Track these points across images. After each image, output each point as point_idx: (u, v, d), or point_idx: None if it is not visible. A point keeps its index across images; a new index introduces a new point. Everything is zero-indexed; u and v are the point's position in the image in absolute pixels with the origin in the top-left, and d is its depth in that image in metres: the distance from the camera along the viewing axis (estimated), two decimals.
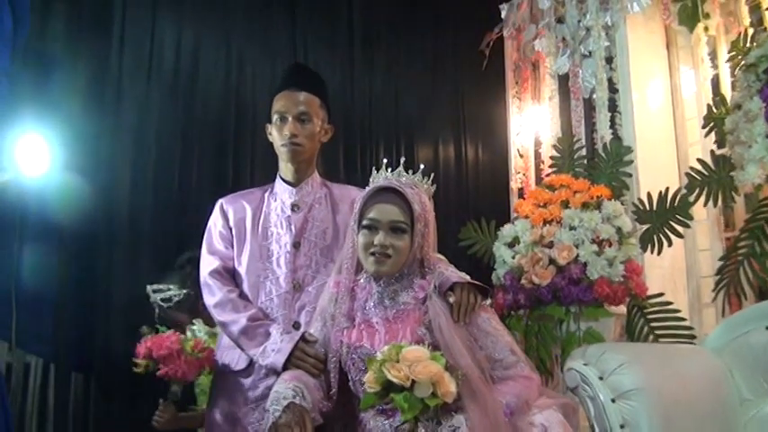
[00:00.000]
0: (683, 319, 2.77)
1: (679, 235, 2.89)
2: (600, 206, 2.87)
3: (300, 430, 1.68)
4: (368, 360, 1.78)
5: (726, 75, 3.16)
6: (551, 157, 3.46)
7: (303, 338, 2.04)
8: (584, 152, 3.41)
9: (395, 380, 1.65)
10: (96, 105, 3.39)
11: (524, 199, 3.24)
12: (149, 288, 2.84)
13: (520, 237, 2.95)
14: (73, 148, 3.06)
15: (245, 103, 3.88)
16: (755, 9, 3.08)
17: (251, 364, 2.18)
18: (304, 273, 2.27)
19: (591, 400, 1.92)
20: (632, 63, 3.37)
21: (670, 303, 2.80)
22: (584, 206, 2.87)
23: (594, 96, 3.42)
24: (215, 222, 2.39)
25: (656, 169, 3.29)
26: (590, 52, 3.47)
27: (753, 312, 2.25)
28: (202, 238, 2.40)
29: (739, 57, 2.82)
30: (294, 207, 2.34)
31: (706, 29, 3.24)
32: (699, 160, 2.96)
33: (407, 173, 2.01)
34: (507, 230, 3.04)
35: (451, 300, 1.88)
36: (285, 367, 2.01)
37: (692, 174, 2.92)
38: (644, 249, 2.92)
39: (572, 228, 2.83)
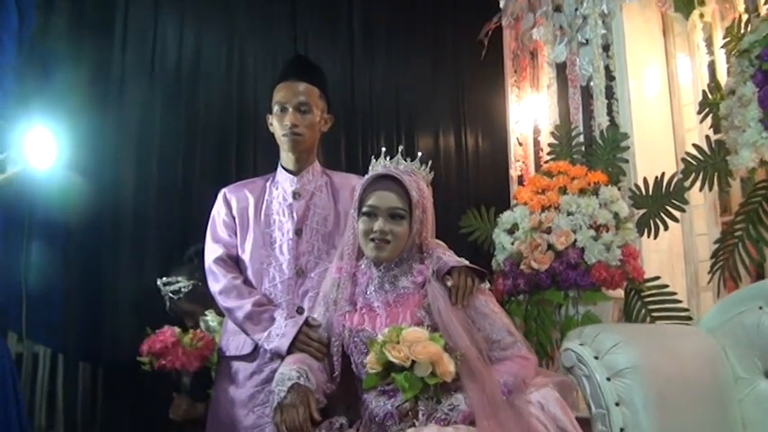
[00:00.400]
0: (680, 302, 2.82)
1: (675, 219, 2.93)
2: (597, 192, 2.91)
3: (304, 410, 1.75)
4: (369, 342, 1.84)
5: (722, 61, 3.18)
6: (549, 145, 3.50)
7: (307, 323, 2.11)
8: (581, 139, 3.44)
9: (395, 360, 1.71)
10: (100, 100, 3.43)
11: (524, 186, 3.28)
12: (159, 281, 2.89)
13: (519, 223, 2.98)
14: (78, 142, 3.10)
15: (246, 98, 3.92)
16: None
17: (256, 348, 2.24)
18: (306, 259, 2.33)
19: (587, 379, 1.96)
20: (629, 50, 3.39)
21: (666, 286, 2.85)
22: (582, 192, 2.91)
23: (592, 84, 3.44)
24: (218, 211, 2.45)
25: (654, 155, 3.31)
26: (587, 40, 3.49)
27: (746, 293, 2.29)
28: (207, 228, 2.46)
29: (734, 43, 2.85)
30: (295, 195, 2.39)
31: (701, 15, 3.27)
32: (694, 145, 2.99)
33: (405, 161, 2.05)
34: (506, 217, 3.08)
35: (449, 283, 1.93)
36: (289, 351, 2.07)
37: (688, 159, 2.96)
38: (640, 234, 2.96)
39: (570, 213, 2.86)
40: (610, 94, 3.41)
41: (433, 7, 4.64)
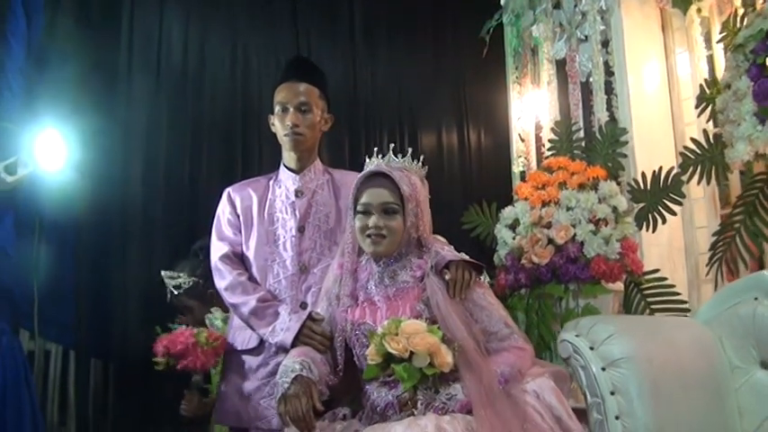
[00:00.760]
0: (678, 294, 2.86)
1: (672, 212, 2.97)
2: (596, 187, 2.96)
3: (307, 400, 1.80)
4: (370, 334, 1.89)
5: (720, 55, 3.22)
6: (549, 140, 3.54)
7: (310, 317, 2.16)
8: (581, 134, 3.49)
9: (394, 352, 1.77)
10: (108, 101, 3.51)
11: (525, 182, 3.33)
12: (163, 273, 2.94)
13: (520, 218, 3.03)
14: (87, 143, 3.16)
15: (251, 96, 3.98)
16: None
17: (261, 342, 2.31)
18: (309, 255, 2.38)
19: (582, 369, 2.00)
20: (628, 46, 3.43)
21: (665, 279, 2.89)
22: (581, 187, 2.96)
23: (591, 80, 3.49)
24: (223, 210, 2.51)
25: (653, 149, 3.35)
26: (586, 37, 3.54)
27: (742, 285, 2.31)
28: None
29: (730, 37, 2.88)
30: (298, 193, 2.45)
31: (699, 10, 3.31)
32: (692, 139, 3.04)
33: (397, 157, 2.10)
34: (508, 213, 3.13)
35: (447, 277, 1.98)
36: (294, 344, 2.13)
37: (686, 153, 3.00)
38: (639, 228, 3.00)
39: (569, 208, 2.91)
40: (609, 89, 3.45)
41: (434, 5, 4.70)
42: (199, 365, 2.41)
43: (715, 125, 3.00)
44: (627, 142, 3.21)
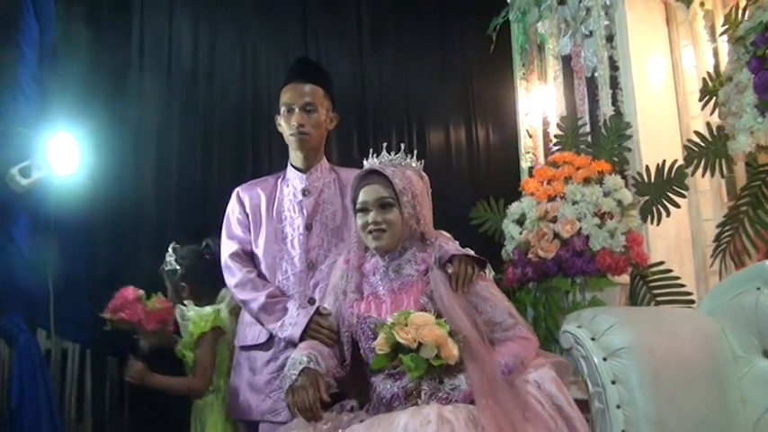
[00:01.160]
0: (683, 286, 2.88)
1: (676, 205, 3.00)
2: (601, 181, 2.98)
3: (314, 392, 1.85)
4: (379, 325, 1.95)
5: (724, 48, 3.23)
6: (555, 136, 3.57)
7: (318, 312, 2.21)
8: (587, 129, 3.51)
9: (403, 341, 1.82)
10: (120, 105, 3.58)
11: (531, 177, 3.35)
12: (173, 245, 2.97)
13: (526, 213, 3.06)
14: (99, 145, 3.23)
15: (260, 96, 4.03)
16: None
17: (271, 337, 2.37)
18: (316, 252, 2.44)
19: (584, 360, 2.04)
20: (632, 40, 3.44)
21: (670, 271, 2.92)
22: (586, 181, 2.99)
23: (596, 75, 3.51)
24: (232, 209, 2.57)
25: (659, 143, 3.36)
26: (591, 32, 3.56)
27: (744, 275, 2.32)
28: None
29: (732, 30, 2.90)
30: (305, 192, 2.51)
31: (702, 4, 3.32)
32: (696, 132, 3.06)
33: (390, 154, 2.16)
34: (515, 208, 3.16)
35: (450, 271, 2.02)
36: (302, 338, 2.18)
37: (690, 145, 3.02)
38: (644, 220, 3.03)
39: (575, 202, 2.94)
40: (615, 84, 3.47)
41: (440, 3, 4.72)
42: (136, 319, 2.57)
43: (720, 118, 3.01)
44: (631, 136, 3.23)
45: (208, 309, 2.76)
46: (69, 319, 3.05)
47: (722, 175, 2.96)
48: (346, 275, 2.18)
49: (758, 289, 2.24)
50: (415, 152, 2.21)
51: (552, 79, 3.93)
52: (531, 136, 4.20)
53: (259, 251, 2.49)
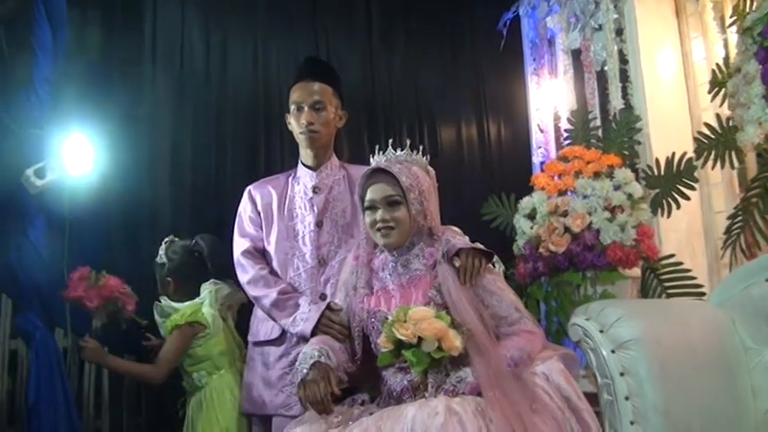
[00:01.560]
0: (694, 278, 2.88)
1: (686, 198, 2.99)
2: (611, 174, 2.99)
3: (325, 385, 1.88)
4: (382, 322, 1.97)
5: (734, 39, 3.22)
6: (566, 130, 3.58)
7: (329, 307, 2.25)
8: (598, 123, 3.51)
9: (403, 338, 1.85)
10: (132, 104, 3.61)
11: (542, 172, 3.36)
12: (170, 237, 3.01)
13: (537, 208, 3.07)
14: (114, 145, 3.27)
15: (272, 94, 4.05)
16: None
17: (283, 333, 2.41)
18: (327, 249, 2.48)
19: (593, 352, 2.06)
20: (642, 33, 3.44)
21: (681, 264, 2.92)
22: (596, 175, 2.99)
23: (606, 68, 3.51)
24: (244, 208, 2.62)
25: (670, 135, 3.35)
26: (600, 26, 3.56)
27: (754, 266, 2.33)
28: None
29: (740, 21, 2.89)
30: (315, 189, 2.54)
31: None
32: (705, 124, 3.05)
33: (396, 151, 2.19)
34: (526, 203, 3.17)
35: (457, 264, 2.05)
36: (313, 333, 2.22)
37: (700, 137, 3.01)
38: (654, 213, 3.03)
39: (585, 196, 2.95)
40: (624, 77, 3.47)
41: None
42: (75, 296, 2.67)
43: (729, 109, 3.01)
44: (641, 129, 3.23)
45: (187, 304, 2.80)
46: (86, 318, 3.08)
47: (732, 167, 2.95)
48: (356, 271, 2.21)
49: (767, 280, 2.24)
50: (421, 148, 2.23)
51: (562, 74, 3.94)
52: (542, 131, 4.21)
53: (271, 248, 2.53)
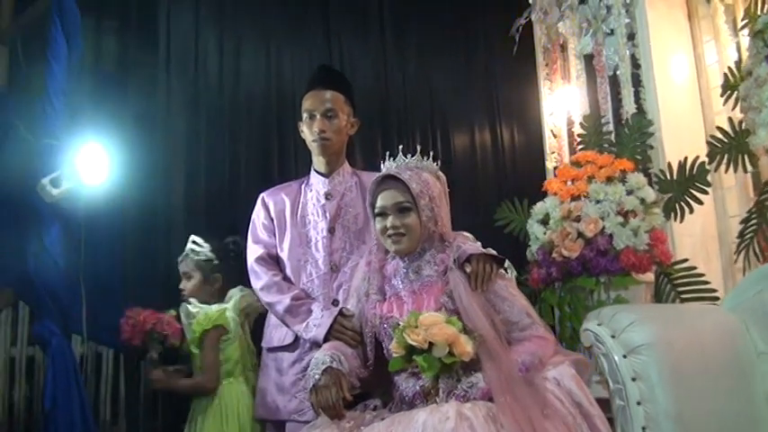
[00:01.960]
0: (707, 283, 2.87)
1: (699, 202, 2.98)
2: (624, 179, 2.98)
3: (337, 391, 1.90)
4: (393, 328, 1.98)
5: (746, 43, 3.21)
6: (578, 135, 3.57)
7: (341, 313, 2.27)
8: (610, 127, 3.51)
9: (414, 343, 1.85)
10: (147, 113, 3.66)
11: (555, 177, 3.36)
12: (193, 237, 3.05)
13: (550, 213, 3.07)
14: (129, 154, 3.31)
15: (285, 100, 4.08)
16: None
17: (296, 339, 2.43)
18: (339, 255, 2.50)
19: (604, 357, 2.05)
20: (653, 37, 3.42)
21: (694, 268, 2.90)
22: (609, 180, 2.99)
23: (618, 73, 3.51)
24: (258, 215, 2.64)
25: (683, 139, 3.33)
26: (612, 30, 3.56)
27: (766, 270, 2.34)
28: None
29: (752, 24, 2.88)
30: (328, 196, 2.56)
31: None
32: (718, 128, 3.04)
33: (406, 157, 2.19)
34: (539, 208, 3.16)
35: (468, 270, 2.05)
36: (326, 339, 2.23)
37: (713, 141, 3.01)
38: (667, 218, 3.02)
39: (598, 201, 2.94)
40: (637, 81, 3.46)
41: (464, 4, 4.73)
42: (125, 339, 2.88)
43: (741, 113, 2.99)
44: (653, 134, 3.22)
45: (214, 307, 2.85)
46: (103, 325, 3.12)
47: (745, 171, 2.94)
48: (368, 277, 2.23)
49: None
50: (432, 153, 2.24)
51: (575, 78, 3.94)
52: (555, 136, 4.20)
53: (284, 255, 2.56)
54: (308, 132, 2.56)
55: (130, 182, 3.34)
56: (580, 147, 3.53)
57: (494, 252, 2.12)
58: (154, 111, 3.71)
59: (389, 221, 2.11)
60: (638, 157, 3.19)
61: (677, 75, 3.48)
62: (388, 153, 2.23)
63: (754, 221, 2.78)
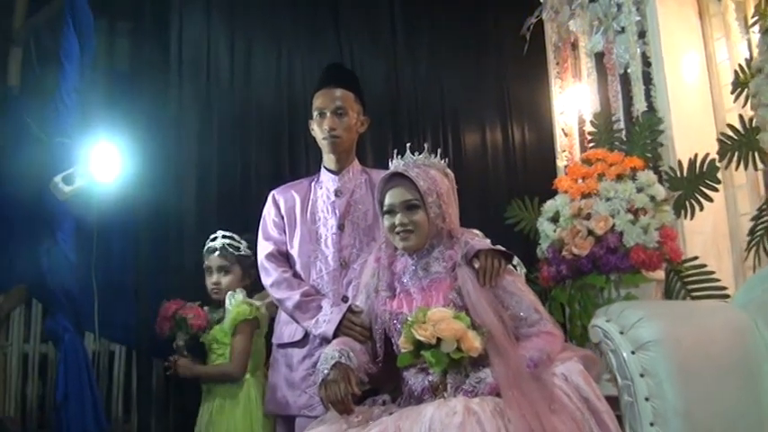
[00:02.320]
0: (717, 280, 2.87)
1: (709, 199, 2.98)
2: (634, 177, 2.98)
3: (345, 385, 1.91)
4: (403, 324, 1.99)
5: (757, 40, 3.20)
6: (589, 133, 3.57)
7: (350, 309, 2.28)
8: (621, 125, 3.50)
9: (422, 338, 1.86)
10: (159, 111, 3.69)
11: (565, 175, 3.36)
12: (222, 233, 3.08)
13: (560, 211, 3.07)
14: (142, 151, 3.34)
15: (296, 99, 4.09)
16: None
17: (306, 335, 2.44)
18: (349, 251, 2.51)
19: (613, 353, 2.06)
20: (665, 35, 3.42)
21: (704, 266, 2.90)
22: (619, 177, 2.99)
23: (629, 71, 3.50)
24: (268, 212, 2.66)
25: (694, 137, 3.32)
26: (623, 28, 3.55)
27: None
28: None
29: (762, 21, 2.88)
30: (337, 193, 2.58)
31: None
32: (728, 125, 3.03)
33: (414, 155, 2.19)
34: (549, 206, 3.17)
35: (476, 265, 2.06)
36: (335, 335, 2.25)
37: (723, 139, 3.00)
38: (677, 216, 3.01)
39: (608, 199, 2.94)
40: (648, 79, 3.46)
41: (475, 3, 4.73)
42: (160, 332, 2.99)
43: (752, 110, 2.98)
44: (663, 131, 3.22)
45: (257, 302, 2.93)
46: (115, 322, 3.16)
47: (755, 168, 2.93)
48: (377, 273, 2.24)
49: None
50: (440, 150, 2.25)
51: (586, 77, 3.93)
52: (566, 135, 4.19)
53: (294, 251, 2.57)
54: (318, 130, 2.58)
55: (142, 180, 3.37)
56: (591, 145, 3.53)
57: (502, 248, 2.13)
58: (166, 111, 3.74)
59: (398, 219, 2.12)
60: (649, 155, 3.19)
61: (688, 72, 3.47)
62: (396, 151, 2.23)
63: (764, 219, 2.77)
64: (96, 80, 3.23)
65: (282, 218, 2.62)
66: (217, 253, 3.03)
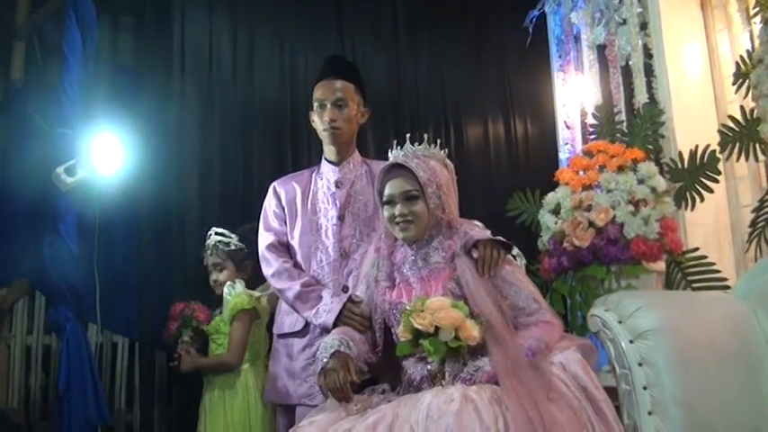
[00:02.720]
0: (718, 272, 2.86)
1: (710, 191, 2.97)
2: (635, 168, 2.98)
3: (345, 374, 1.93)
4: (402, 314, 2.00)
5: (758, 31, 3.19)
6: (590, 125, 3.57)
7: (350, 299, 2.30)
8: (623, 117, 3.50)
9: (420, 327, 1.88)
10: (161, 104, 3.71)
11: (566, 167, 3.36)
12: (215, 230, 3.15)
13: (561, 203, 3.07)
14: (145, 144, 3.36)
15: (298, 93, 4.10)
16: None
17: (307, 325, 2.46)
18: (349, 242, 2.52)
19: (611, 342, 2.06)
20: (666, 27, 3.41)
21: (705, 257, 2.90)
22: (620, 169, 2.99)
23: (631, 63, 3.50)
24: (269, 203, 2.67)
25: (695, 129, 3.32)
26: (624, 20, 3.55)
27: None
28: None
29: (764, 12, 2.87)
30: (338, 184, 2.59)
31: None
32: (730, 116, 3.03)
33: (413, 146, 2.20)
34: (550, 198, 3.17)
35: (475, 255, 2.07)
36: (335, 325, 2.26)
37: (724, 130, 3.00)
38: (678, 207, 3.01)
39: (609, 191, 2.94)
40: (649, 71, 3.45)
41: None
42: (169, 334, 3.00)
43: (753, 101, 2.98)
44: (664, 123, 3.21)
45: (257, 292, 2.97)
46: (118, 314, 3.18)
47: (756, 159, 2.93)
48: (377, 263, 2.25)
49: None
50: (439, 141, 2.25)
51: (588, 69, 3.93)
52: (569, 127, 4.19)
53: (295, 242, 2.58)
54: (318, 122, 2.59)
55: (144, 173, 3.39)
56: (592, 137, 3.53)
57: (501, 238, 2.13)
58: (168, 104, 3.76)
59: (397, 209, 2.13)
60: (650, 147, 3.19)
61: (690, 64, 3.46)
62: (395, 142, 2.24)
63: (766, 211, 2.77)
64: (99, 74, 3.26)
65: (283, 209, 2.63)
66: (209, 251, 3.09)
